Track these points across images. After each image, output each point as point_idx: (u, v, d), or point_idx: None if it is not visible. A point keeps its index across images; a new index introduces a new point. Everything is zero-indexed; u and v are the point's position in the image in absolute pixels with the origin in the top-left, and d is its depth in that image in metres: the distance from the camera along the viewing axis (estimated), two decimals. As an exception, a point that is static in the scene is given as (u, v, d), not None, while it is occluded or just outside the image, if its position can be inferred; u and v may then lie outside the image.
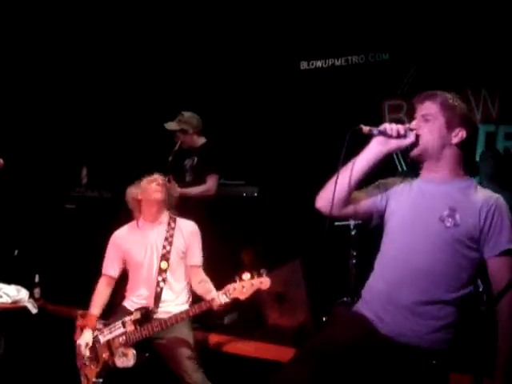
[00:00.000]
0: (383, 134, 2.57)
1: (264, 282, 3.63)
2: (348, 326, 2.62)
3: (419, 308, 2.49)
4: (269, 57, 6.93)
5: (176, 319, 3.71)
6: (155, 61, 7.25)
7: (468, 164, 2.67)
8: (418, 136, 2.55)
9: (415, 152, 2.58)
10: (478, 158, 5.56)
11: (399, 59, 6.41)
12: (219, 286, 3.76)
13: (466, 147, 2.63)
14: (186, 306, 3.94)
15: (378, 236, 5.13)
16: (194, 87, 7.06)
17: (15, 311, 4.68)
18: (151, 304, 3.89)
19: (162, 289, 3.91)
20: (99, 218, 4.18)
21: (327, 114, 6.61)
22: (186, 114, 5.60)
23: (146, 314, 3.81)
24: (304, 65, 6.99)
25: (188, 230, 4.07)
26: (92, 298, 4.04)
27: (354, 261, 5.24)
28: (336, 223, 5.43)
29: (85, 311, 4.08)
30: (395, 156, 6.41)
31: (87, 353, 3.84)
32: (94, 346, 3.89)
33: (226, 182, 5.97)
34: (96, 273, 4.09)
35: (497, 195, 2.55)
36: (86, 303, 4.20)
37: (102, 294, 4.06)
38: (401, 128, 2.55)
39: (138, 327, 3.76)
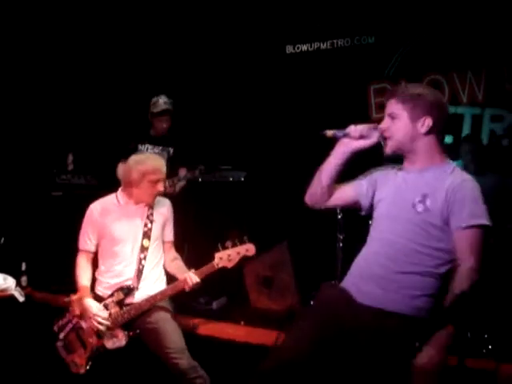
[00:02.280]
0: (347, 136, 2.77)
1: (249, 248, 3.68)
2: (327, 305, 2.81)
3: (393, 276, 2.65)
4: (254, 41, 6.90)
5: (155, 299, 3.73)
6: (138, 45, 7.19)
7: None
8: (385, 136, 2.74)
9: (388, 151, 2.77)
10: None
11: (385, 42, 6.40)
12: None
13: (437, 131, 2.72)
14: (163, 285, 3.94)
15: (365, 220, 5.17)
16: (179, 72, 7.02)
17: (2, 300, 4.67)
18: (134, 282, 3.82)
19: (143, 266, 3.85)
20: (86, 205, 4.14)
21: (313, 97, 6.60)
22: (165, 97, 5.62)
23: (129, 293, 3.79)
24: (290, 48, 6.96)
25: (166, 206, 4.04)
26: (76, 274, 3.92)
27: (340, 244, 5.25)
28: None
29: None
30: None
31: (106, 314, 3.75)
32: (78, 334, 3.87)
33: (212, 167, 5.97)
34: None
35: (468, 177, 2.68)
36: (73, 291, 4.19)
37: (85, 267, 3.94)
38: (364, 129, 2.74)
39: (124, 308, 3.75)
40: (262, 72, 6.85)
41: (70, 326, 3.92)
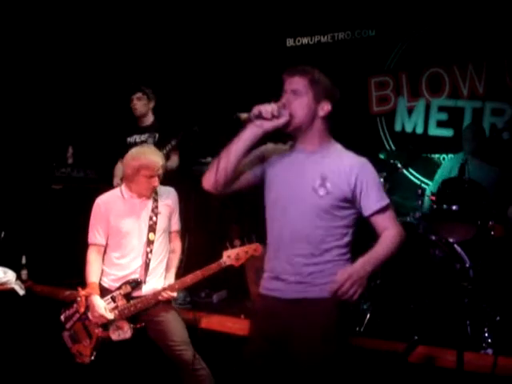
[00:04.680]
0: (259, 117, 2.69)
1: (257, 248, 3.69)
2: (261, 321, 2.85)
3: (306, 269, 2.70)
4: (255, 34, 6.89)
5: (157, 296, 3.77)
6: (135, 38, 7.17)
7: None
8: (291, 114, 2.69)
9: (290, 128, 2.72)
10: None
11: (385, 35, 6.39)
12: (206, 263, 3.78)
13: (330, 116, 2.79)
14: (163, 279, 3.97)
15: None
16: (179, 65, 7.01)
17: (2, 293, 4.69)
18: (141, 275, 3.85)
19: (150, 260, 3.87)
20: (85, 198, 4.14)
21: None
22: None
23: (136, 286, 3.82)
24: (290, 42, 6.97)
25: (170, 196, 4.05)
26: (86, 269, 3.94)
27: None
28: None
29: (73, 291, 4.06)
30: (382, 135, 6.43)
31: (111, 316, 3.78)
32: (84, 324, 3.89)
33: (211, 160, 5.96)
34: (84, 254, 4.04)
35: (363, 159, 2.79)
36: (73, 284, 4.19)
37: (95, 262, 3.93)
38: (274, 109, 2.67)
39: (131, 301, 3.78)
40: (262, 65, 6.83)
41: (77, 316, 3.93)
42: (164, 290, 3.79)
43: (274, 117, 2.66)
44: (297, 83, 2.71)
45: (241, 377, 2.84)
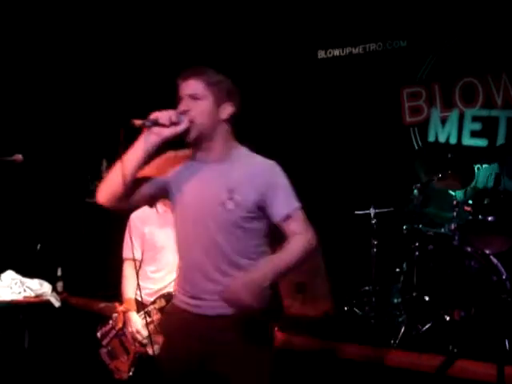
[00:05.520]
0: (156, 124, 2.47)
1: None
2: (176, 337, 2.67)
3: (219, 287, 2.47)
4: (286, 46, 6.90)
5: None
6: (160, 46, 7.23)
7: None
8: (191, 120, 2.47)
9: (191, 135, 2.50)
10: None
11: (417, 46, 6.35)
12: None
13: (232, 119, 2.65)
14: None
15: (399, 225, 5.12)
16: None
17: (39, 305, 4.73)
18: (175, 289, 3.85)
19: None
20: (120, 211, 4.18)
21: (346, 103, 6.57)
22: None
23: (171, 300, 3.80)
24: (321, 54, 6.95)
25: None
26: (122, 285, 3.96)
27: (374, 249, 5.21)
28: (356, 212, 5.42)
29: (108, 303, 4.08)
30: (415, 143, 6.38)
31: (147, 332, 3.79)
32: (121, 340, 3.90)
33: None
34: (118, 266, 4.07)
35: (270, 162, 2.65)
36: (108, 296, 4.22)
37: (131, 277, 3.95)
38: (173, 115, 2.46)
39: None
40: (294, 77, 6.84)
41: (114, 332, 3.95)
42: None
43: (172, 123, 2.44)
44: (193, 87, 2.51)
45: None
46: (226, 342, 2.51)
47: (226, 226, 2.50)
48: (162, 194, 2.67)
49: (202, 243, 2.53)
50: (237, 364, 2.51)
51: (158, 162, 2.63)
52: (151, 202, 2.75)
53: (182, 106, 2.49)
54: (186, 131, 2.48)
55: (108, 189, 2.55)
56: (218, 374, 2.55)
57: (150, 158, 2.52)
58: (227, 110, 2.58)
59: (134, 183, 2.53)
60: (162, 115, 2.45)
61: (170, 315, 2.81)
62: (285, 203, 2.55)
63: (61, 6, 6.85)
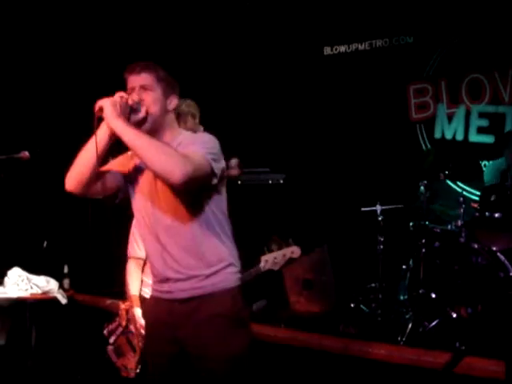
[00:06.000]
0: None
1: (295, 251, 3.63)
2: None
3: (178, 269, 2.57)
4: (292, 43, 6.90)
5: None
6: (171, 51, 7.24)
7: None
8: (146, 110, 2.55)
9: (146, 125, 2.56)
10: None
11: (424, 42, 6.34)
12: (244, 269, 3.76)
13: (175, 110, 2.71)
14: None
15: (405, 222, 5.12)
16: (220, 75, 7.04)
17: (45, 302, 4.74)
18: None
19: None
20: (126, 208, 4.17)
21: (352, 99, 6.57)
22: (188, 100, 5.66)
23: None
24: (327, 50, 6.95)
25: None
26: (126, 282, 3.97)
27: (381, 246, 5.20)
28: (363, 209, 5.42)
29: (115, 300, 4.09)
30: (421, 139, 6.37)
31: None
32: (128, 338, 3.90)
33: (251, 170, 5.96)
34: (124, 263, 4.08)
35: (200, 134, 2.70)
36: (114, 293, 4.23)
37: (135, 275, 3.91)
38: (132, 102, 2.53)
39: None
40: (300, 74, 6.84)
41: (120, 329, 3.94)
42: None
43: (133, 111, 2.53)
44: (145, 79, 2.60)
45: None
46: (199, 323, 2.54)
47: (170, 201, 2.54)
48: (123, 186, 2.74)
49: (154, 229, 2.60)
50: (211, 346, 2.54)
51: (121, 158, 2.75)
52: (118, 191, 2.77)
53: (134, 96, 2.56)
54: (143, 119, 2.56)
55: (72, 176, 2.67)
56: (195, 357, 2.57)
57: (110, 144, 2.57)
58: (173, 101, 2.66)
59: (95, 171, 2.60)
60: (122, 102, 2.51)
61: (146, 306, 2.91)
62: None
63: (61, 6, 6.87)
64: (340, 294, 5.46)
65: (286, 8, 6.83)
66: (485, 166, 5.93)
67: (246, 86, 7.01)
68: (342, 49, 6.86)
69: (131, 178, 2.71)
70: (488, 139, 6.05)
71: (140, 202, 2.68)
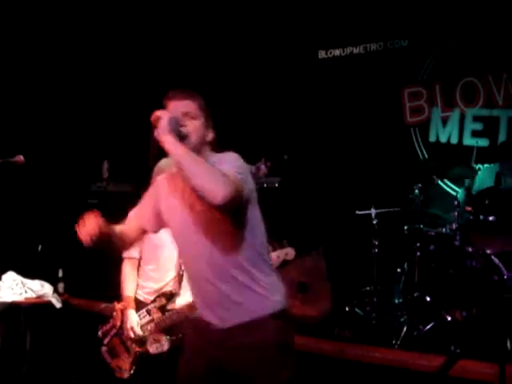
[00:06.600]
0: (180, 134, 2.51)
1: (289, 252, 3.63)
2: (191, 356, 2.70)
3: (221, 292, 2.54)
4: (287, 46, 6.91)
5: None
6: (171, 56, 7.26)
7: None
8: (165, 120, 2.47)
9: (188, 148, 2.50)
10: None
11: (418, 46, 6.35)
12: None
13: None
14: None
15: (400, 225, 5.12)
16: (214, 78, 7.04)
17: (40, 306, 4.74)
18: (175, 288, 3.85)
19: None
20: (121, 212, 4.17)
21: (346, 103, 6.58)
22: None
23: (171, 298, 3.82)
24: (322, 54, 6.96)
25: None
26: (121, 283, 3.95)
27: (375, 250, 5.21)
28: (357, 212, 5.42)
29: (109, 304, 4.08)
30: (416, 143, 6.38)
31: (141, 332, 3.79)
32: (122, 339, 3.90)
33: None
34: (119, 267, 4.07)
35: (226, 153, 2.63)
36: (109, 297, 4.22)
37: (130, 276, 3.95)
38: (183, 128, 2.53)
39: (166, 313, 3.78)
40: (294, 78, 6.85)
41: (114, 331, 3.95)
42: None
43: (181, 136, 2.50)
44: (189, 106, 2.59)
45: None
46: (244, 350, 2.52)
47: (202, 227, 2.54)
48: (161, 222, 2.76)
49: (193, 253, 2.59)
50: (256, 374, 2.52)
51: (150, 190, 2.81)
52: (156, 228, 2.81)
53: (158, 112, 2.50)
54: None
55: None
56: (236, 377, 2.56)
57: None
58: (211, 134, 2.67)
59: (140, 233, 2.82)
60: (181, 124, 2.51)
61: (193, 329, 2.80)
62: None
63: (62, 6, 6.87)
64: (335, 298, 5.46)
65: (281, 11, 6.84)
66: (479, 169, 5.94)
67: (240, 90, 7.01)
68: (337, 52, 6.86)
69: (162, 203, 2.72)
70: (482, 143, 6.06)
71: (173, 229, 2.70)
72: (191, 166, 2.38)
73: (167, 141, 2.40)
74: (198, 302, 2.68)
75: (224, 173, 2.38)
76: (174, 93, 2.63)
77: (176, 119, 2.48)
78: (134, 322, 3.81)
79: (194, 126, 2.57)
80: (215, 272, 2.54)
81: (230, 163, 2.51)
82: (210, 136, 2.66)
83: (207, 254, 2.54)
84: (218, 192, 2.30)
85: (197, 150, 2.53)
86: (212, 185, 2.33)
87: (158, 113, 2.48)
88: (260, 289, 2.56)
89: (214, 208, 2.38)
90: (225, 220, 2.47)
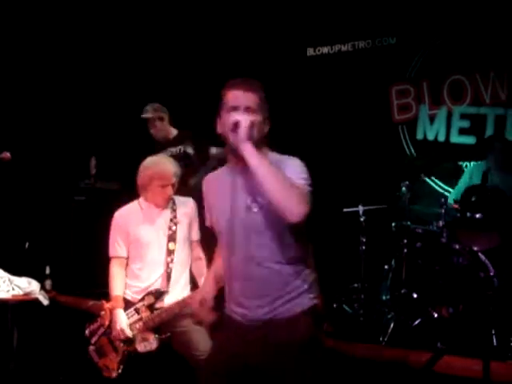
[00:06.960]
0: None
1: None
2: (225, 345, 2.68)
3: (261, 291, 2.54)
4: (275, 44, 6.91)
5: (185, 303, 3.70)
6: (159, 51, 7.24)
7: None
8: (246, 127, 2.42)
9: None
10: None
11: (406, 43, 6.38)
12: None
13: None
14: (188, 289, 3.95)
15: (387, 222, 5.14)
16: (202, 76, 7.04)
17: (27, 303, 4.72)
18: (163, 286, 3.83)
19: (171, 270, 3.84)
20: (108, 209, 4.16)
21: (335, 100, 6.59)
22: (156, 104, 5.67)
23: (160, 297, 3.81)
24: (310, 51, 6.97)
25: (189, 206, 3.99)
26: (110, 282, 3.92)
27: (363, 247, 5.22)
28: (345, 209, 5.44)
29: (97, 302, 4.07)
30: (403, 140, 6.41)
31: (131, 333, 3.77)
32: (110, 338, 3.89)
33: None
34: (107, 264, 4.05)
35: (291, 159, 2.63)
36: (97, 294, 4.21)
37: (118, 275, 3.92)
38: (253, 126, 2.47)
39: (155, 311, 3.77)
40: (283, 75, 6.84)
41: (102, 330, 3.93)
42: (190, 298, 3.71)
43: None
44: (252, 100, 2.49)
45: None
46: (274, 347, 2.51)
47: (257, 228, 2.51)
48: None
49: (238, 251, 2.55)
50: (284, 371, 2.52)
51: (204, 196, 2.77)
52: None
53: (243, 116, 2.44)
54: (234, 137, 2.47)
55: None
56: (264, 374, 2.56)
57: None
58: (266, 128, 2.58)
59: None
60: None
61: (223, 328, 2.77)
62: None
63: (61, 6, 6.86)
64: (322, 295, 5.47)
65: (269, 9, 6.83)
66: (466, 166, 5.98)
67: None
68: (325, 50, 6.88)
69: (211, 200, 2.72)
70: (469, 140, 6.10)
71: (220, 225, 2.64)
72: (267, 178, 2.37)
73: (246, 149, 2.38)
74: (231, 298, 2.65)
75: (297, 185, 2.42)
76: (235, 82, 2.53)
77: (252, 123, 2.42)
78: (124, 322, 3.78)
79: (256, 120, 2.47)
80: (255, 271, 2.52)
81: (297, 171, 2.54)
82: (266, 129, 2.58)
83: (249, 255, 2.53)
84: (294, 210, 2.36)
85: (256, 146, 2.45)
86: (288, 203, 2.35)
87: (238, 117, 2.42)
88: (303, 285, 2.60)
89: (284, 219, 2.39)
90: (283, 221, 2.44)
